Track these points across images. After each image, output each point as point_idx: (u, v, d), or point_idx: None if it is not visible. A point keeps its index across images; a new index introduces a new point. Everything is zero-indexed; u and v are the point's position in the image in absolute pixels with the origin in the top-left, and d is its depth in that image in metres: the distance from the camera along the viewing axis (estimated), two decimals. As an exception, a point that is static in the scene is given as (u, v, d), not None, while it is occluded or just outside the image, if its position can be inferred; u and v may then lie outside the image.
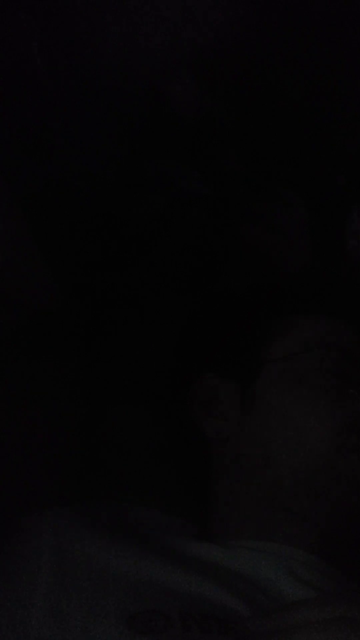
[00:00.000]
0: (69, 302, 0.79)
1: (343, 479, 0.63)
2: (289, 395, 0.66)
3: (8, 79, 0.81)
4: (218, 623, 0.53)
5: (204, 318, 0.76)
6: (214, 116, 0.84)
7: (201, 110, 0.84)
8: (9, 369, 0.73)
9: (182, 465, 0.72)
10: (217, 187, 0.85)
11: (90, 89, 0.82)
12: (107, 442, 0.77)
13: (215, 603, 0.55)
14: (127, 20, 0.80)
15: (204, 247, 0.83)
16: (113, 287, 0.82)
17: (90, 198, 0.83)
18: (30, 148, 0.81)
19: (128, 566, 0.57)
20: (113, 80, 0.81)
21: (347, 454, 0.63)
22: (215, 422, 0.68)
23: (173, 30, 0.81)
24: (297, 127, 0.86)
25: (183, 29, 0.81)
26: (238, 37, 0.82)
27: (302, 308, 0.71)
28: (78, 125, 0.83)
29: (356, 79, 0.85)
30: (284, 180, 0.87)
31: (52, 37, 0.83)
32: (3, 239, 0.78)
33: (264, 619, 0.47)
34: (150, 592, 0.55)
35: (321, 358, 0.67)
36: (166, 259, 0.82)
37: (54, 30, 0.83)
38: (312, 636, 0.43)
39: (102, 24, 0.82)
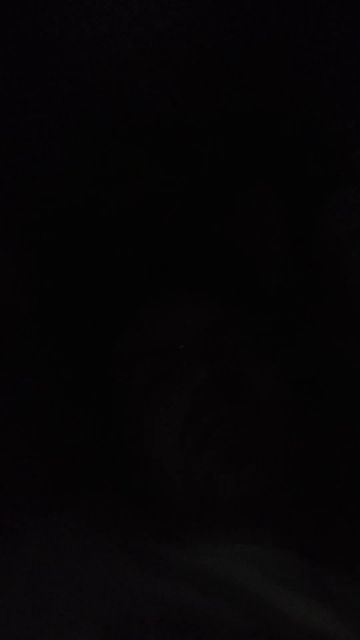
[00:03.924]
0: (41, 302, 0.78)
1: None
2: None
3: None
4: (195, 628, 0.54)
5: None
6: (185, 111, 0.84)
7: (171, 106, 0.83)
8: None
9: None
10: (190, 182, 0.84)
11: (56, 85, 0.81)
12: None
13: (193, 608, 0.56)
14: (94, 15, 0.79)
15: (178, 243, 0.83)
16: (86, 284, 0.81)
17: (59, 196, 0.82)
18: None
19: (106, 574, 0.58)
20: (81, 76, 0.80)
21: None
22: None
23: (142, 24, 0.80)
24: (270, 120, 0.86)
25: (153, 24, 0.80)
26: (208, 30, 0.81)
27: None
28: (45, 121, 0.82)
29: (328, 70, 0.84)
30: (257, 174, 0.87)
31: (18, 31, 0.82)
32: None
33: None
34: (126, 599, 0.56)
35: None
36: (140, 256, 0.81)
37: (20, 24, 0.82)
38: None
39: (70, 18, 0.81)
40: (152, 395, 0.68)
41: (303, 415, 0.71)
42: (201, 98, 0.84)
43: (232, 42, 0.83)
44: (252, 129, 0.85)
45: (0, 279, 0.80)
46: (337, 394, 0.77)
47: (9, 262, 0.80)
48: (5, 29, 0.79)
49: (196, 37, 0.82)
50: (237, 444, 0.64)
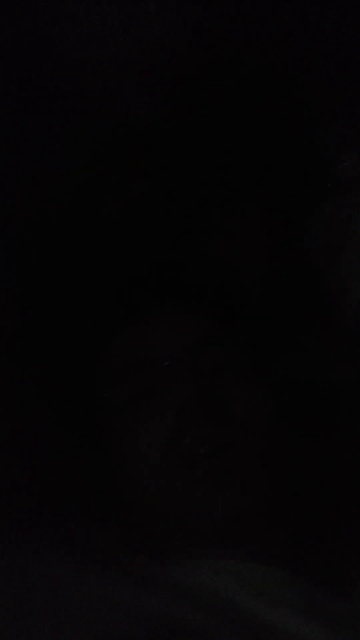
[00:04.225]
0: (25, 317, 0.78)
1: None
2: None
3: None
4: (185, 642, 0.54)
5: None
6: (171, 123, 0.84)
7: (154, 121, 0.83)
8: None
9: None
10: (171, 196, 0.84)
11: (37, 99, 0.80)
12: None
13: (183, 623, 0.56)
14: (75, 31, 0.79)
15: (162, 258, 0.83)
16: (70, 300, 0.81)
17: (43, 207, 0.82)
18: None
19: (94, 591, 0.58)
20: (63, 90, 0.80)
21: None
22: None
23: (123, 40, 0.80)
24: (255, 133, 0.86)
25: (133, 39, 0.80)
26: (189, 45, 0.81)
27: None
28: (26, 134, 0.81)
29: (313, 86, 0.85)
30: (241, 187, 0.87)
31: (6, 37, 0.81)
32: None
33: None
34: (116, 616, 0.56)
35: None
36: (124, 271, 0.81)
37: (9, 30, 0.81)
38: None
39: (51, 33, 0.81)
40: (135, 414, 0.68)
41: (287, 434, 0.71)
42: (188, 110, 0.84)
43: (221, 55, 0.83)
44: (238, 141, 0.85)
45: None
46: (323, 410, 0.77)
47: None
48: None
49: (176, 55, 0.82)
50: (221, 463, 0.64)
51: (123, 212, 0.83)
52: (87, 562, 0.61)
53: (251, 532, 0.64)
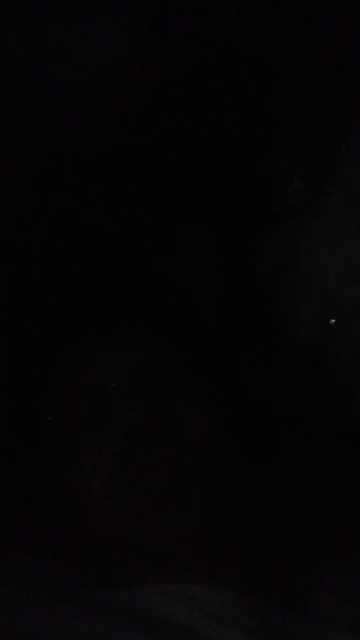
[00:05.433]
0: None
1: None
2: None
3: None
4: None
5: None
6: (120, 149, 0.84)
7: (106, 143, 0.84)
8: None
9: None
10: (125, 218, 0.85)
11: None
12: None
13: None
14: (31, 56, 0.79)
15: (112, 278, 0.83)
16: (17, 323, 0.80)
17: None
18: None
19: (45, 621, 0.57)
20: (17, 114, 0.80)
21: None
22: None
23: (77, 65, 0.80)
24: (205, 157, 0.87)
25: (87, 64, 0.80)
26: (143, 71, 0.82)
27: None
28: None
29: (261, 109, 0.87)
30: (192, 209, 0.88)
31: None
32: None
33: None
34: None
35: None
36: (73, 292, 0.81)
37: None
38: None
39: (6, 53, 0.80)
40: (82, 438, 0.67)
41: (235, 456, 0.71)
42: (140, 131, 0.85)
43: (169, 79, 0.84)
44: (190, 163, 0.86)
45: None
46: (270, 433, 0.78)
47: None
48: None
49: (131, 80, 0.83)
50: (169, 486, 0.64)
51: (72, 232, 0.83)
52: (36, 590, 0.60)
53: (201, 554, 0.64)
